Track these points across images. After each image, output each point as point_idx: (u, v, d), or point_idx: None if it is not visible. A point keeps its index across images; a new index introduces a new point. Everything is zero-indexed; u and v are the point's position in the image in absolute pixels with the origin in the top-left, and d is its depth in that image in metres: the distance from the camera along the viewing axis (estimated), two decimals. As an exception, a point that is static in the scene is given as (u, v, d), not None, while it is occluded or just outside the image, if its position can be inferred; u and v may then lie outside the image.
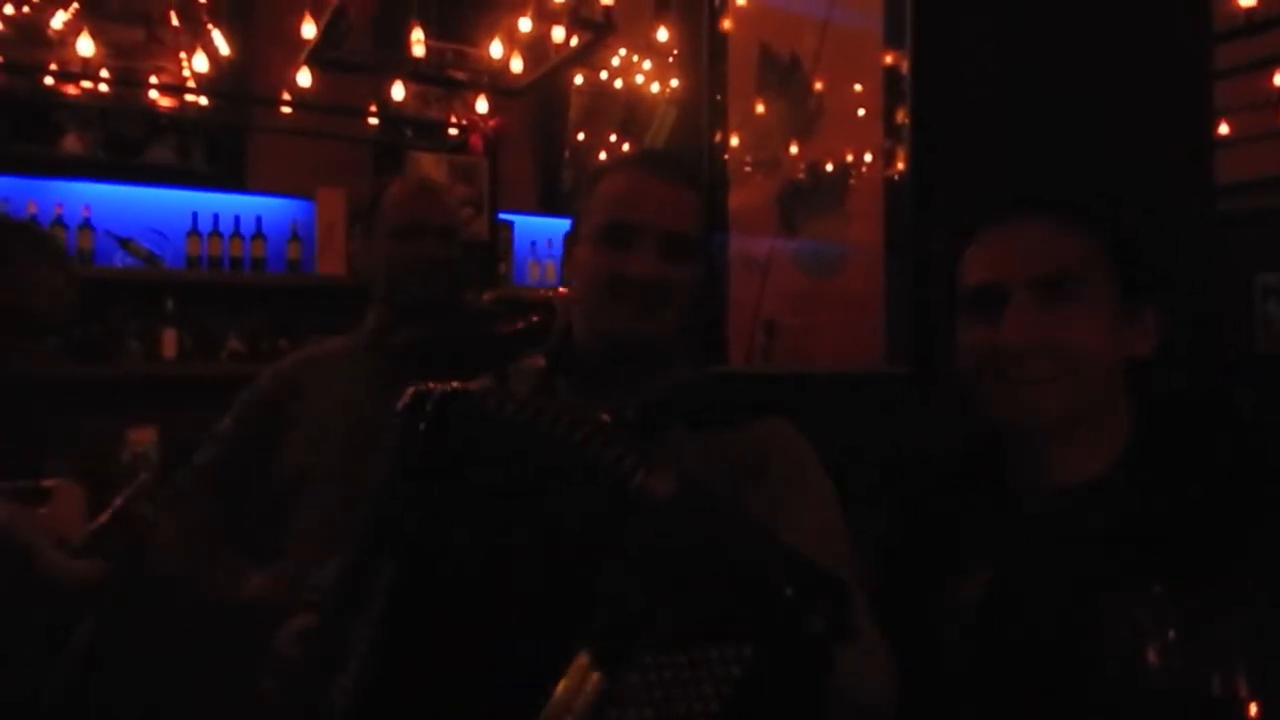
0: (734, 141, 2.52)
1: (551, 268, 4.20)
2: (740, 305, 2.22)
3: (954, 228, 1.08)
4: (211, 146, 3.69)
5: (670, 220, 1.20)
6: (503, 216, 4.09)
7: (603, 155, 4.51)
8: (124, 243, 3.43)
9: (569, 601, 0.74)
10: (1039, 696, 0.88)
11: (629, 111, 4.68)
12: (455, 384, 0.92)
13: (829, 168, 2.07)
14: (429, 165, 3.78)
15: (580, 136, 4.52)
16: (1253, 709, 0.74)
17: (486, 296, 2.28)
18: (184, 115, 3.55)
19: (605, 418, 0.87)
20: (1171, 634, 0.76)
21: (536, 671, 0.73)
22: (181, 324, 3.46)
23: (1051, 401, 0.98)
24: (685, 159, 1.57)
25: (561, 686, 0.69)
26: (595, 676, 0.68)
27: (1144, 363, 1.01)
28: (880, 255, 1.84)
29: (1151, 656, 0.74)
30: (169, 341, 3.43)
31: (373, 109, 3.57)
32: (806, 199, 2.12)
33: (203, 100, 3.49)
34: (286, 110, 3.37)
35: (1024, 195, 1.05)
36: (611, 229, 1.20)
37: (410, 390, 0.92)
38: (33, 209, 3.31)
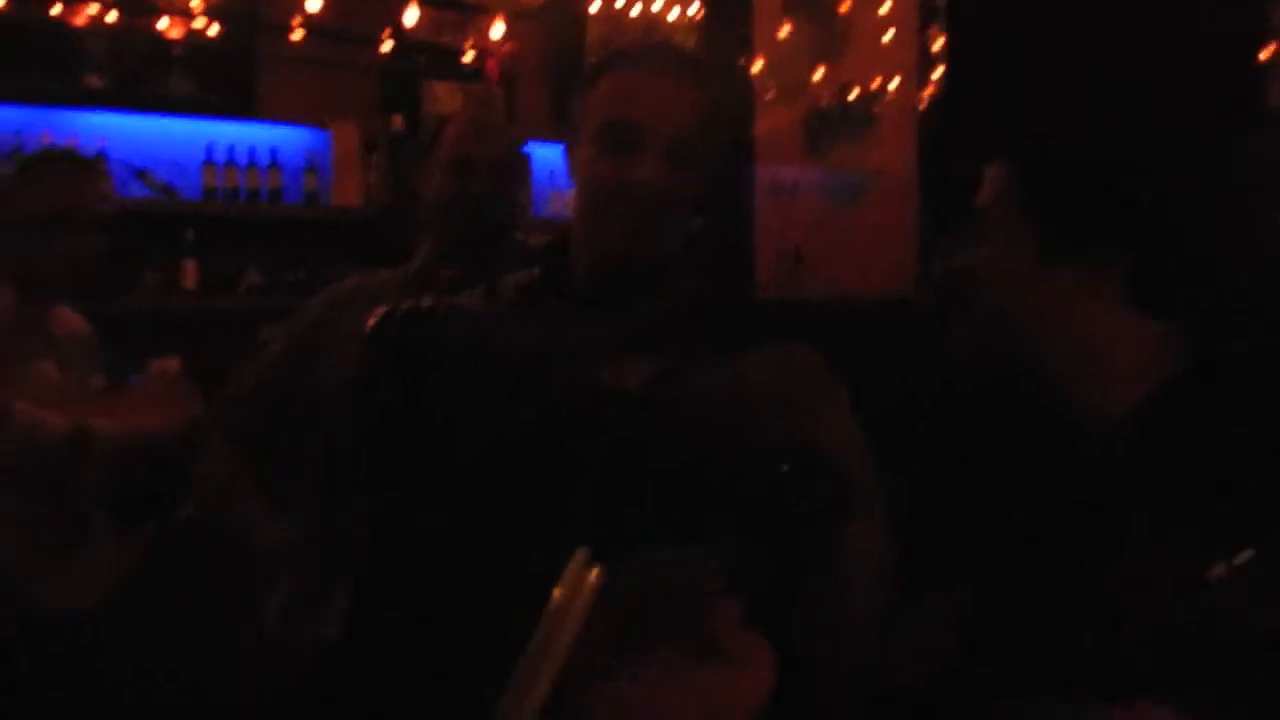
0: (757, 67, 2.45)
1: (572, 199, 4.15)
2: (765, 233, 2.18)
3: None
4: (224, 73, 3.63)
5: (678, 121, 1.08)
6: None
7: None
8: (140, 174, 3.40)
9: (552, 502, 0.72)
10: (1086, 627, 0.86)
11: (647, 39, 4.58)
12: (424, 302, 0.89)
13: (857, 91, 2.02)
14: (443, 94, 3.72)
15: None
16: None
17: (537, 242, 2.25)
18: (195, 42, 3.49)
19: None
20: (1223, 565, 0.75)
21: (525, 574, 0.71)
22: (200, 256, 3.45)
23: (978, 338, 1.05)
24: (699, 56, 1.45)
25: (558, 588, 0.66)
26: (594, 573, 0.66)
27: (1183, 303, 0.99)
28: (913, 178, 1.80)
29: (1206, 584, 0.73)
30: (189, 273, 3.42)
31: (385, 35, 3.50)
32: (834, 124, 2.06)
33: (213, 28, 3.43)
34: (297, 36, 3.31)
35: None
36: (611, 129, 1.08)
37: (378, 310, 0.88)
38: (47, 140, 3.27)
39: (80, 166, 1.99)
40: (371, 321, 0.87)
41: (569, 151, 1.20)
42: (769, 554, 0.68)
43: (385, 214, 3.57)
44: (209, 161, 3.49)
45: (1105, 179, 0.99)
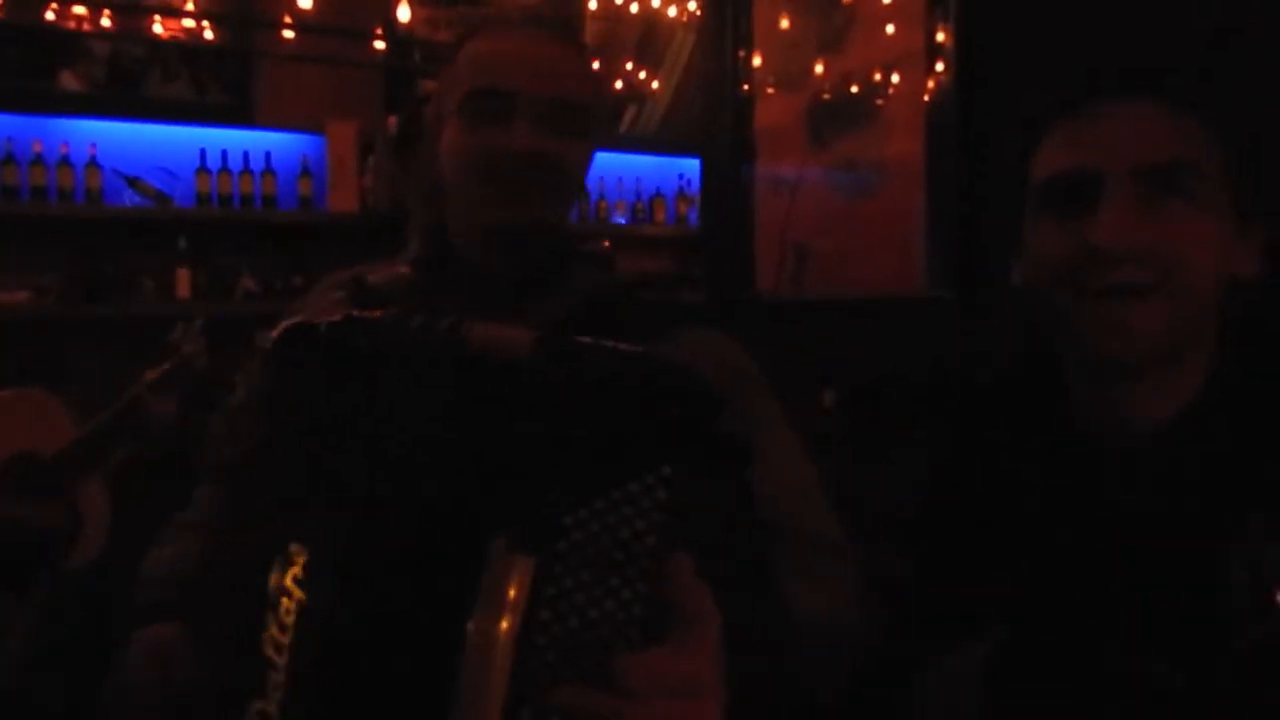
0: (757, 61, 2.40)
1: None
2: (767, 228, 2.12)
3: (1028, 110, 0.90)
4: (218, 78, 3.58)
5: (552, 84, 1.00)
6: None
7: (619, 84, 4.37)
8: (132, 181, 3.35)
9: (474, 503, 0.66)
10: (1148, 640, 0.78)
11: (646, 37, 4.52)
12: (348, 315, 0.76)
13: (861, 80, 1.95)
14: (441, 95, 3.66)
15: (596, 65, 4.37)
16: None
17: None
18: (187, 44, 3.44)
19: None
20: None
21: (459, 590, 0.64)
22: (194, 263, 3.40)
23: (1146, 323, 0.80)
24: (569, 22, 1.22)
25: (484, 586, 0.62)
26: (519, 560, 0.62)
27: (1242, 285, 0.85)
28: (920, 170, 1.73)
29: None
30: (183, 281, 3.37)
31: (379, 33, 3.45)
32: (837, 114, 2.00)
33: (207, 31, 3.38)
34: (289, 34, 3.26)
35: (1127, 68, 0.88)
36: (479, 98, 1.00)
37: (280, 325, 0.76)
38: (38, 148, 3.23)
39: None
40: (273, 338, 0.78)
41: (431, 136, 1.09)
42: (691, 471, 0.63)
43: (383, 219, 3.51)
44: (203, 168, 3.44)
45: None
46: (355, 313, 0.75)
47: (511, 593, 0.62)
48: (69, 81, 3.37)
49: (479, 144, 1.00)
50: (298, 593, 0.67)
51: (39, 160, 3.23)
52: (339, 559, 0.68)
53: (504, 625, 0.62)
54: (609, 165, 4.13)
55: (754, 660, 0.71)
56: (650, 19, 4.33)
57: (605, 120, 1.11)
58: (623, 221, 4.24)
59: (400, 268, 1.11)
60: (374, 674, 0.67)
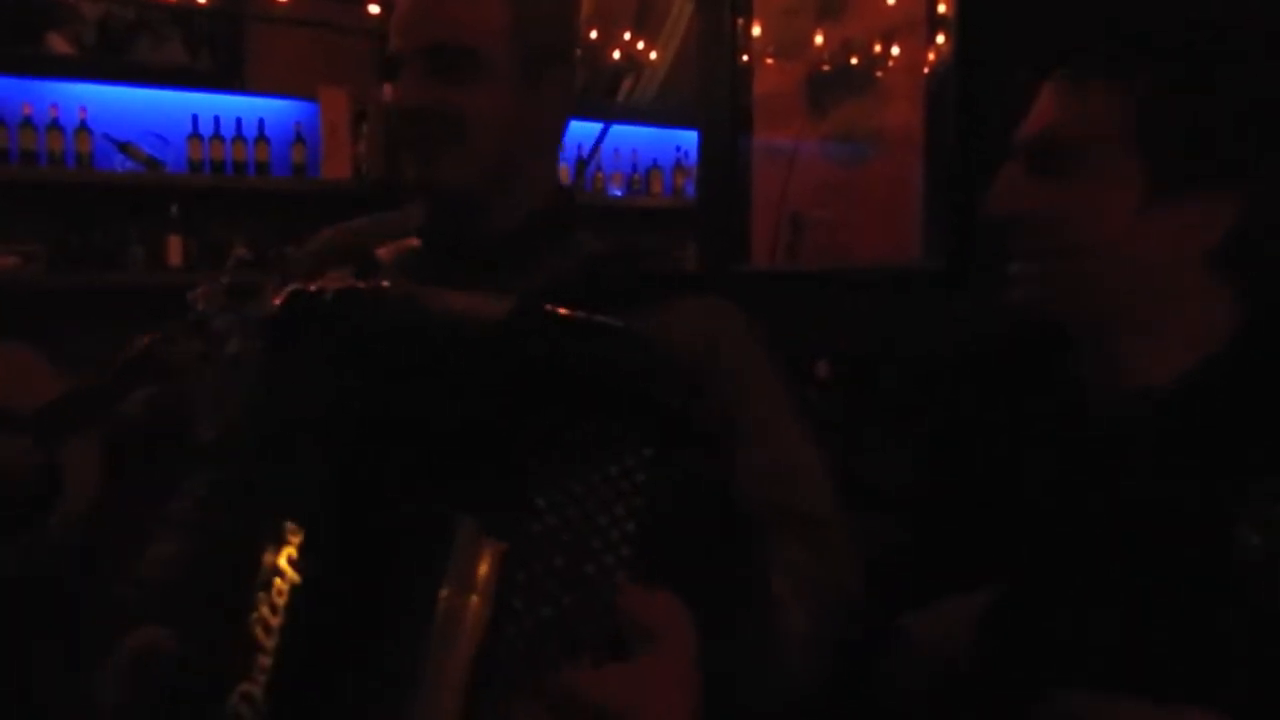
0: (756, 30, 2.36)
1: (565, 172, 4.07)
2: (763, 198, 2.10)
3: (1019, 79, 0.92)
4: (209, 42, 3.53)
5: (430, 30, 0.95)
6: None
7: (616, 54, 4.32)
8: (123, 146, 3.31)
9: (443, 482, 0.64)
10: (1154, 607, 0.77)
11: (644, 6, 4.47)
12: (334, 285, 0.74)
13: (861, 50, 1.92)
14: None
15: (593, 34, 4.32)
16: None
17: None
18: (178, 7, 3.39)
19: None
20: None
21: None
22: (186, 231, 3.37)
23: (1039, 295, 0.87)
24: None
25: (452, 565, 0.59)
26: (487, 543, 0.59)
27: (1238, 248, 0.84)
28: (919, 142, 1.71)
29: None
30: (174, 249, 3.34)
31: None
32: (836, 83, 1.97)
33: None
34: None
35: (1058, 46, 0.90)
36: (389, 64, 1.00)
37: (284, 291, 0.74)
38: (27, 110, 3.19)
39: None
40: (277, 304, 0.72)
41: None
42: (673, 455, 0.61)
43: (377, 186, 3.48)
44: (195, 134, 3.41)
45: (1253, 106, 0.82)
46: (347, 285, 0.73)
47: (481, 571, 0.60)
48: (57, 44, 3.32)
49: (389, 109, 1.00)
50: (291, 573, 0.65)
51: (28, 123, 3.18)
52: (325, 540, 0.66)
53: (474, 600, 0.59)
54: (606, 136, 4.09)
55: (732, 677, 0.68)
56: (648, -12, 4.27)
57: (526, 62, 0.99)
58: (619, 193, 4.21)
59: (411, 241, 1.08)
60: (350, 653, 0.64)
